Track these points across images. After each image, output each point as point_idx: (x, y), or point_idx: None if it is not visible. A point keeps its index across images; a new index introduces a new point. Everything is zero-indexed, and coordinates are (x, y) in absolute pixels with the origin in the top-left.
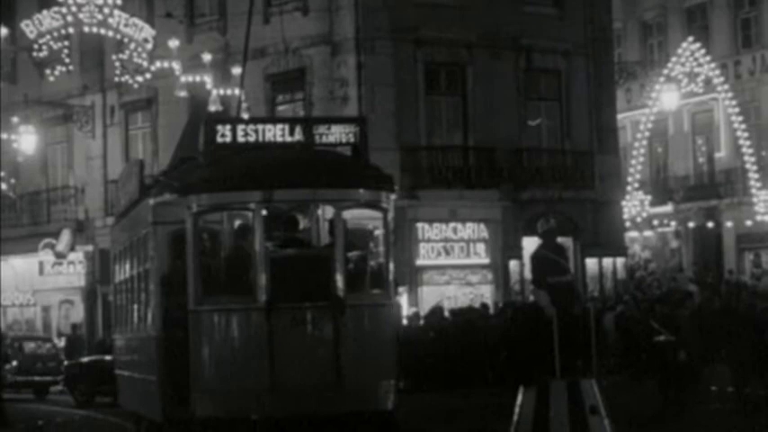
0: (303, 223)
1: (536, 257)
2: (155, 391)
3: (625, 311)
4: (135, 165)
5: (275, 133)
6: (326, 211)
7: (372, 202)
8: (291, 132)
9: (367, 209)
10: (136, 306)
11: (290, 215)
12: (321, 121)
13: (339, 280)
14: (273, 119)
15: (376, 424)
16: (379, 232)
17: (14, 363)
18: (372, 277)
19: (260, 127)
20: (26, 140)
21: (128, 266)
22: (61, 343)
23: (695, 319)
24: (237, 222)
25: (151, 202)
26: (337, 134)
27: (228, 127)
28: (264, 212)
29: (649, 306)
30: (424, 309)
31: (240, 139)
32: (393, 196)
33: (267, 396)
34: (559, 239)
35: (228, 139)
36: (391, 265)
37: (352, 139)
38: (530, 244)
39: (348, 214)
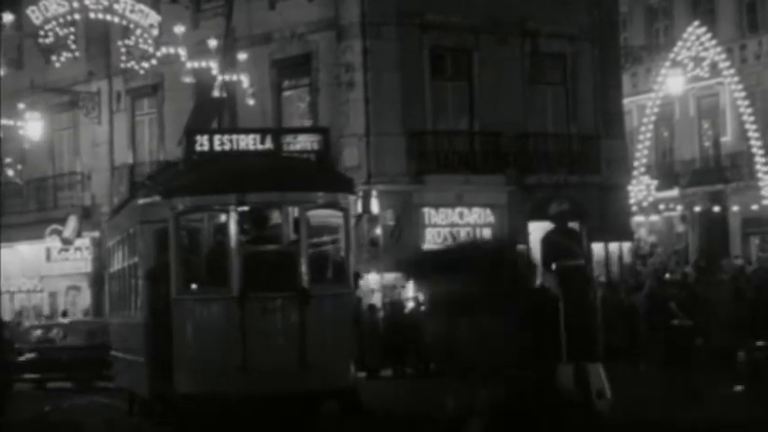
0: (275, 221)
1: (545, 241)
2: (143, 371)
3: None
4: (125, 168)
5: (248, 142)
6: (293, 211)
7: (333, 203)
8: (262, 141)
9: (328, 209)
10: (127, 295)
11: (262, 215)
12: (288, 131)
13: (304, 272)
14: (246, 129)
15: (339, 400)
16: (341, 229)
17: None
18: (334, 270)
19: (234, 137)
20: (32, 127)
21: (120, 258)
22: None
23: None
24: (215, 221)
25: (140, 202)
26: (303, 143)
27: (206, 137)
28: (244, 209)
29: (669, 289)
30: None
31: (216, 147)
32: (352, 197)
33: (240, 375)
34: (571, 224)
35: (206, 148)
36: (352, 258)
37: (316, 147)
38: (536, 229)
39: (311, 213)
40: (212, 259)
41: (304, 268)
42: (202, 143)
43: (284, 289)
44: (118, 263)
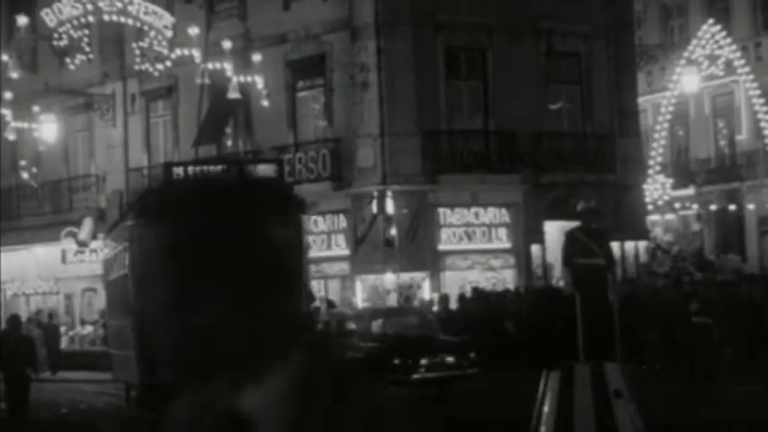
0: None
1: (566, 236)
2: (134, 364)
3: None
4: (116, 196)
5: (217, 171)
6: None
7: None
8: (229, 170)
9: None
10: (120, 300)
11: None
12: (250, 162)
13: None
14: (215, 160)
15: None
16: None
17: None
18: None
19: (205, 167)
20: (47, 129)
21: (114, 270)
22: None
23: None
24: None
25: (128, 223)
26: (262, 171)
27: (182, 168)
28: None
29: (692, 288)
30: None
31: (191, 175)
32: (305, 216)
33: None
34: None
35: (182, 176)
36: (305, 271)
37: (273, 174)
38: (551, 228)
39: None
40: None
41: None
42: (179, 173)
43: None
44: (113, 273)
